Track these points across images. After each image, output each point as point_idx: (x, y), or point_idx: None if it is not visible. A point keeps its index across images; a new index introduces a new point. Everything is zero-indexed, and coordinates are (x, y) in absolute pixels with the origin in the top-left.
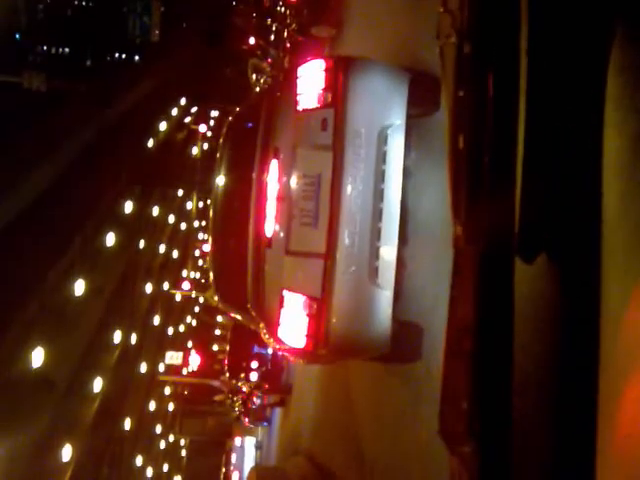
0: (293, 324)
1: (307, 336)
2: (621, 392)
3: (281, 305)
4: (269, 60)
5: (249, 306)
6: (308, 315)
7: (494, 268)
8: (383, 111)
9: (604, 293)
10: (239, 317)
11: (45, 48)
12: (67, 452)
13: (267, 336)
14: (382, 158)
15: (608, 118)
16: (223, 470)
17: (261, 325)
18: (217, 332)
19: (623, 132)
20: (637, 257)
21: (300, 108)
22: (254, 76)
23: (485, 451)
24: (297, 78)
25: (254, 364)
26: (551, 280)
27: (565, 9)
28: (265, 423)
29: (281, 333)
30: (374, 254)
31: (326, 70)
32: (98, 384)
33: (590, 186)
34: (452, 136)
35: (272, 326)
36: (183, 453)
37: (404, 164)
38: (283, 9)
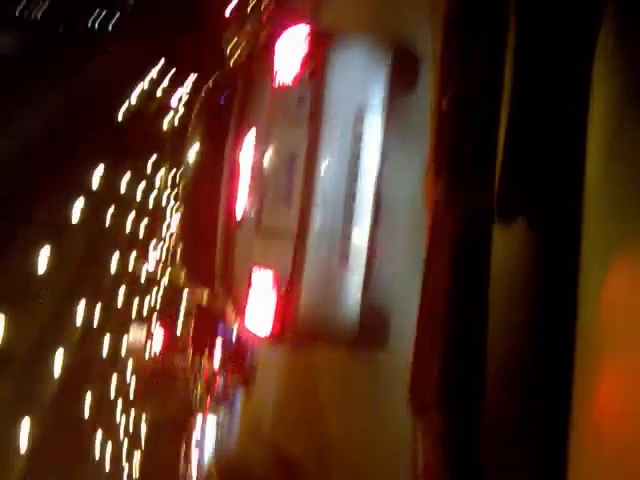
0: (260, 304)
1: (275, 317)
2: (598, 365)
3: (249, 284)
4: (247, 30)
5: (217, 283)
6: (277, 295)
7: (473, 233)
8: (362, 90)
9: (584, 258)
10: (206, 295)
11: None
12: (25, 428)
13: (234, 315)
14: (359, 138)
15: (595, 76)
16: (184, 448)
17: (228, 304)
18: (183, 307)
19: (609, 90)
20: (619, 220)
21: (277, 84)
22: (229, 48)
23: (454, 420)
24: (274, 52)
25: (219, 342)
26: (529, 244)
27: None
28: (228, 403)
29: (248, 313)
30: (346, 236)
31: (305, 45)
32: (60, 358)
33: (573, 148)
34: (436, 99)
35: (239, 305)
36: (144, 429)
37: (381, 145)
38: None
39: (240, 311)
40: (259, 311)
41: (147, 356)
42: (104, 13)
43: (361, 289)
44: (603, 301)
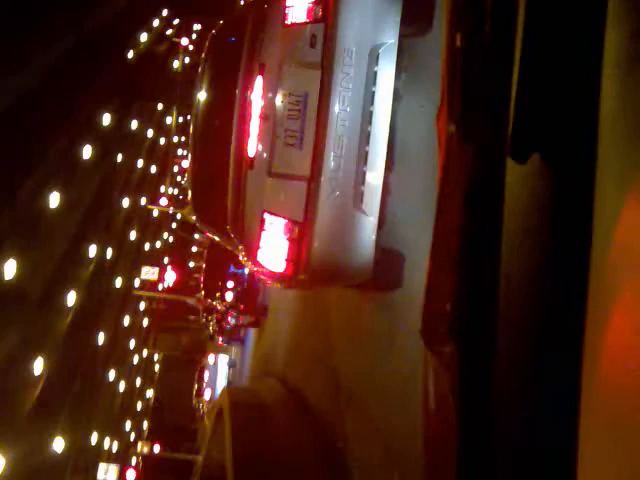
0: (273, 247)
1: (287, 260)
2: (613, 295)
3: (262, 228)
4: None
5: (228, 227)
6: (289, 239)
7: (486, 167)
8: (375, 29)
9: (599, 191)
10: (217, 238)
11: None
12: (39, 366)
13: (246, 259)
14: (372, 79)
15: (610, 13)
16: (196, 386)
17: (240, 247)
18: (194, 249)
19: (624, 27)
20: (634, 152)
21: (288, 22)
22: None
23: (467, 352)
24: None
25: (230, 284)
26: (544, 179)
27: None
28: (239, 342)
29: (261, 256)
30: (360, 179)
31: None
32: (72, 298)
33: (588, 82)
34: (449, 34)
35: (251, 249)
36: (156, 368)
37: (395, 86)
38: None
39: (253, 255)
40: (272, 255)
41: (159, 296)
42: None
43: (375, 230)
44: (618, 233)
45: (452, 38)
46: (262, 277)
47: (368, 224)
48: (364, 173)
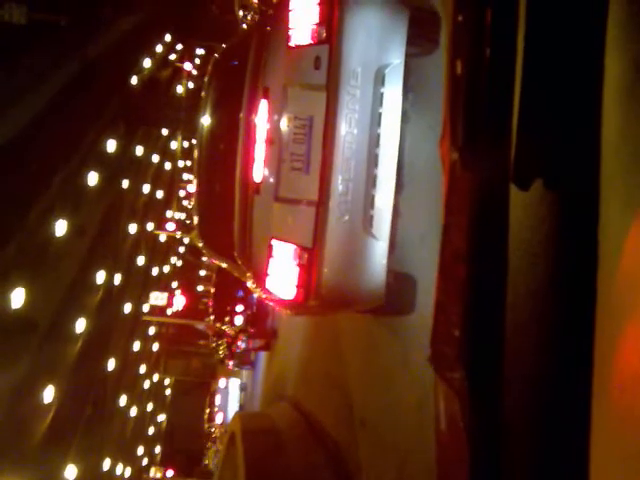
0: (282, 274)
1: (297, 287)
2: (620, 319)
3: (270, 254)
4: None
5: (235, 254)
6: (298, 265)
7: (490, 194)
8: (381, 49)
9: (603, 221)
10: (224, 265)
11: None
12: (49, 394)
13: (254, 286)
14: (379, 100)
15: (610, 42)
16: (207, 411)
17: (248, 274)
18: (202, 273)
19: (625, 55)
20: (636, 177)
21: (292, 44)
22: (241, 12)
23: (476, 377)
24: (289, 11)
25: (239, 307)
26: (548, 205)
27: None
28: (249, 366)
29: (270, 283)
30: (369, 202)
31: (320, 3)
32: (81, 324)
33: (589, 109)
34: (450, 62)
35: (260, 276)
36: (167, 392)
37: (402, 107)
38: None
39: (261, 282)
40: (281, 281)
41: (168, 321)
42: None
43: (386, 254)
44: (624, 257)
45: (453, 65)
46: (272, 303)
47: (379, 248)
48: (373, 196)
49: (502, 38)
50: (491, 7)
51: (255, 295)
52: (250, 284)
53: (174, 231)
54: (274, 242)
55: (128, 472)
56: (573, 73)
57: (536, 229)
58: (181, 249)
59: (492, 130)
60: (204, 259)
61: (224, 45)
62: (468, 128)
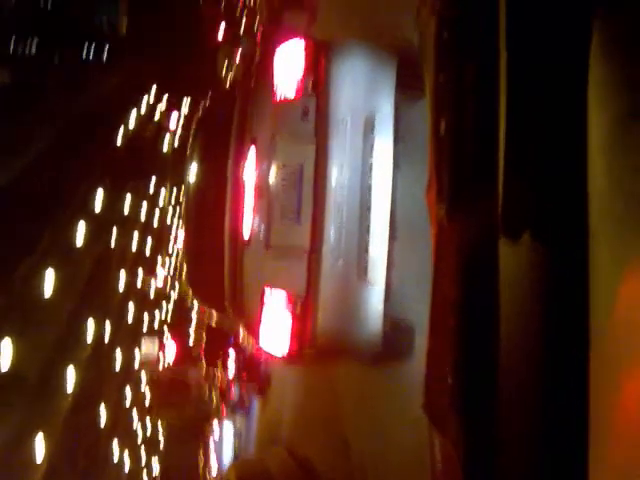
0: (276, 323)
1: (292, 336)
2: (614, 384)
3: (262, 304)
4: (240, 49)
5: (226, 304)
6: (292, 314)
7: (477, 245)
8: (370, 98)
9: (594, 269)
10: (215, 315)
11: (12, 41)
12: (40, 448)
13: (247, 336)
14: (370, 149)
15: (592, 98)
16: (202, 459)
17: (240, 325)
18: (194, 317)
19: (607, 111)
20: (626, 231)
21: (277, 98)
22: (225, 67)
23: (471, 426)
24: (273, 67)
25: (231, 353)
26: (538, 255)
27: None
28: (243, 411)
29: (263, 333)
30: (363, 249)
31: (305, 55)
32: (71, 376)
33: (575, 161)
34: (434, 122)
35: (252, 326)
36: (161, 439)
37: (392, 155)
38: None
39: (254, 330)
40: (274, 331)
41: (160, 368)
42: (94, 45)
43: (382, 300)
44: (615, 310)
45: (437, 124)
46: (265, 353)
47: (374, 294)
48: (367, 242)
49: (485, 97)
50: (473, 67)
51: (248, 346)
52: (242, 334)
53: (164, 279)
54: (266, 291)
55: None
56: (557, 127)
57: (526, 282)
58: (172, 295)
59: (478, 185)
60: (195, 307)
61: (209, 99)
62: (453, 184)
